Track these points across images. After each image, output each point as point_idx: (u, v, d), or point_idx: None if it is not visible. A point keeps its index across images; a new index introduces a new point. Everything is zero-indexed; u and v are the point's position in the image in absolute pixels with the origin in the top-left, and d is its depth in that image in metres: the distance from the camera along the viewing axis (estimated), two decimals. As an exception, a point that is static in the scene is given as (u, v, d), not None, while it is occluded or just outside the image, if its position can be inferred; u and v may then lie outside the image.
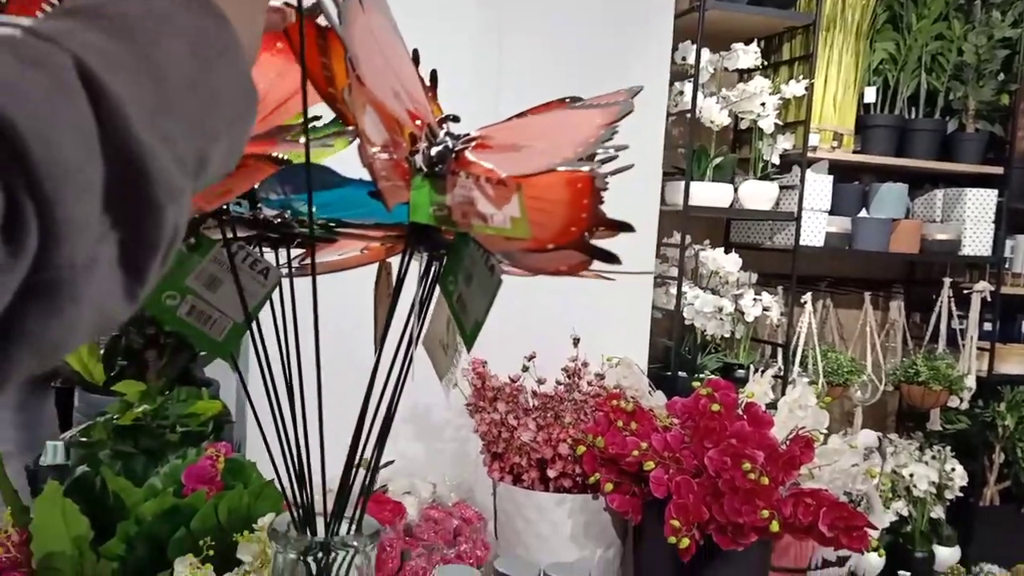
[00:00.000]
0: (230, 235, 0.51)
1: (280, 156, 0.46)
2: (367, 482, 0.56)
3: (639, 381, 1.85)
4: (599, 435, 1.63)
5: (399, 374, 0.54)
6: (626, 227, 0.48)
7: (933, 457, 2.76)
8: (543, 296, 1.90)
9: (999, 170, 2.90)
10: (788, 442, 1.64)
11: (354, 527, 0.54)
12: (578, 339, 1.77)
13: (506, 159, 0.44)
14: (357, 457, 0.55)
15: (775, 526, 1.44)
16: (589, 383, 1.78)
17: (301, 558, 0.53)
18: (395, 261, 0.54)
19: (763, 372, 1.92)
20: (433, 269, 0.52)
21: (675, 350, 2.44)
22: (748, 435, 1.62)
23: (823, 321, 2.86)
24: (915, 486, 2.55)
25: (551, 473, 1.64)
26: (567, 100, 0.52)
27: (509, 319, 1.88)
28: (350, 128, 0.41)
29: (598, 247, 0.47)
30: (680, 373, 2.44)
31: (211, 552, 1.09)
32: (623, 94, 0.49)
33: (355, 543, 0.54)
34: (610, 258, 0.47)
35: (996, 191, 2.86)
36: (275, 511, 1.35)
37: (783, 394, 1.86)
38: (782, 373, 2.60)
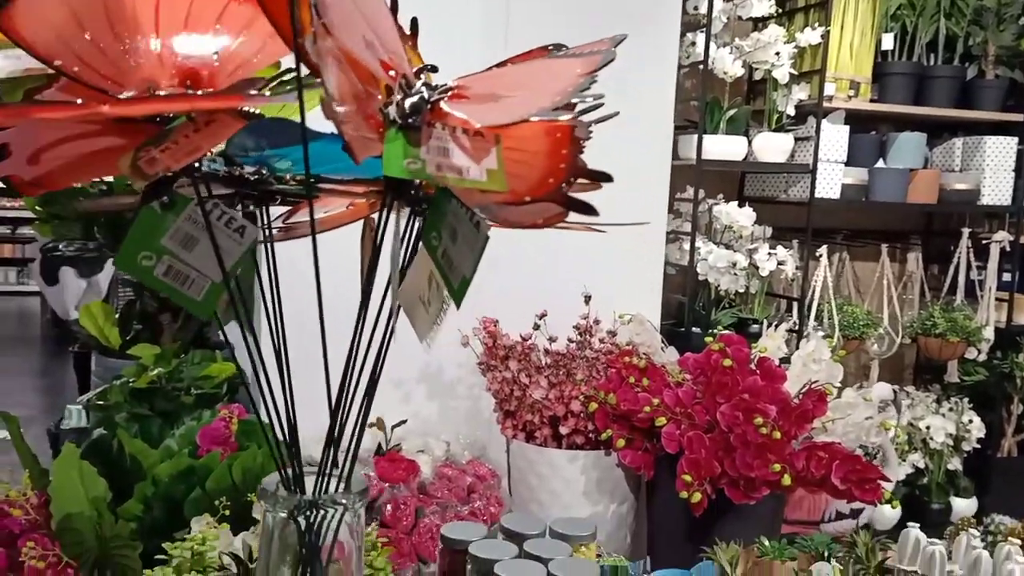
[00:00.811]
0: (204, 193, 0.50)
1: (250, 110, 0.45)
2: (353, 441, 0.56)
3: (651, 337, 1.85)
4: (611, 392, 1.63)
5: (384, 331, 0.54)
6: (605, 177, 0.48)
7: (950, 409, 2.75)
8: (554, 255, 1.89)
9: (1020, 117, 2.83)
10: (801, 396, 1.63)
11: (342, 485, 0.55)
12: (589, 296, 1.76)
13: (482, 109, 0.43)
14: (341, 415, 0.55)
15: (787, 480, 1.44)
16: (601, 340, 1.78)
17: (291, 516, 0.54)
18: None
19: (776, 327, 1.92)
20: (416, 225, 0.51)
21: (689, 306, 2.43)
22: (761, 390, 1.62)
23: (839, 274, 2.83)
24: (931, 438, 2.55)
25: (563, 430, 1.64)
26: (549, 48, 0.51)
27: (520, 278, 1.89)
28: (319, 80, 0.41)
29: (575, 198, 0.46)
30: (694, 329, 2.43)
31: (227, 512, 1.10)
32: (606, 43, 0.47)
33: (344, 501, 0.54)
34: (587, 209, 0.46)
35: (1016, 139, 2.81)
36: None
37: (798, 348, 1.85)
38: (797, 327, 2.58)
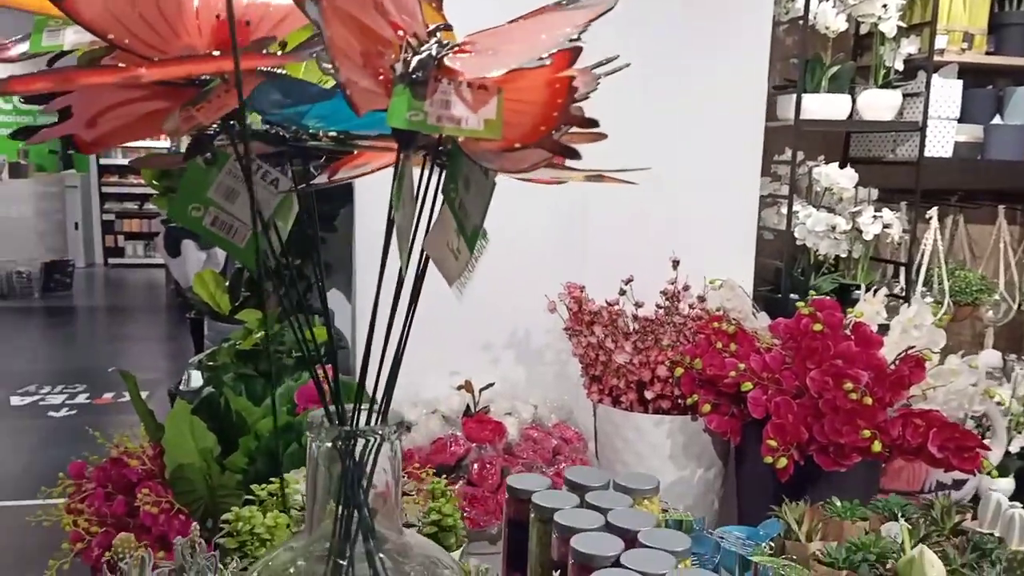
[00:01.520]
0: (241, 149, 0.54)
1: (271, 70, 0.49)
2: (391, 377, 0.59)
3: (742, 303, 1.82)
4: (697, 357, 1.62)
5: (416, 276, 0.57)
6: (594, 123, 0.49)
7: (1073, 379, 2.59)
8: (644, 220, 1.88)
9: None
10: (898, 362, 1.59)
11: (380, 418, 0.59)
12: (677, 261, 1.75)
13: (479, 62, 0.45)
14: (380, 354, 0.58)
15: (877, 446, 1.41)
16: (691, 306, 1.77)
17: (334, 445, 0.58)
18: (416, 171, 0.56)
19: (876, 292, 1.85)
20: (435, 177, 0.54)
21: (786, 271, 2.37)
22: (854, 355, 1.58)
23: (952, 238, 2.69)
24: (1051, 409, 2.41)
25: (649, 395, 1.65)
26: (561, 2, 0.51)
27: (609, 244, 1.89)
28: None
29: (560, 143, 0.48)
30: (792, 295, 2.37)
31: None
32: None
33: (380, 431, 0.58)
34: (571, 153, 0.48)
35: None
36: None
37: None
38: (904, 293, 2.48)
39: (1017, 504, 0.97)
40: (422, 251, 0.57)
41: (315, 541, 0.61)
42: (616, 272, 1.71)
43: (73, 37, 0.51)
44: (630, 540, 0.80)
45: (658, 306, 1.74)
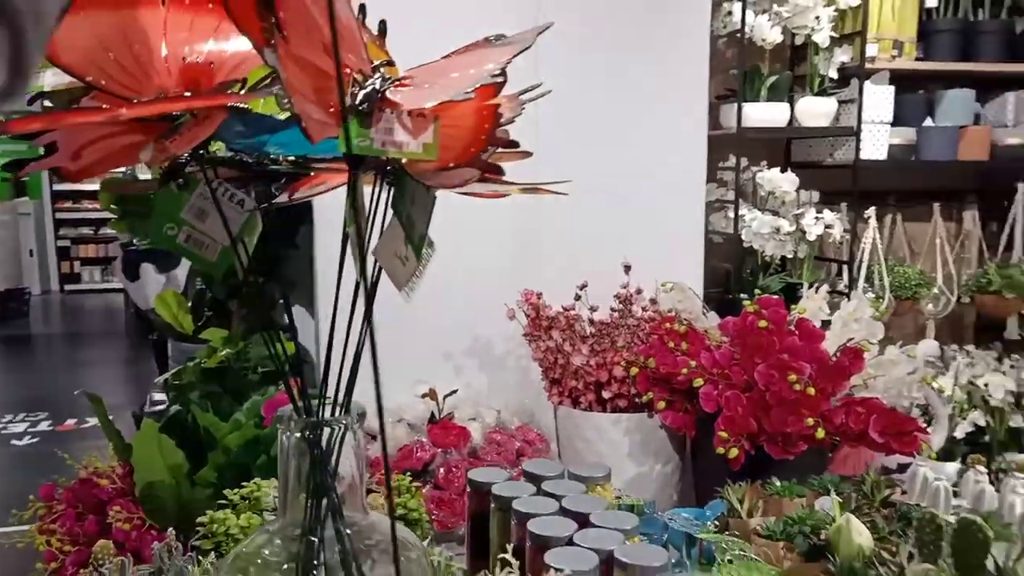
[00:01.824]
0: (212, 175, 0.60)
1: (237, 106, 0.54)
2: (352, 371, 0.65)
3: (692, 304, 1.90)
4: (651, 356, 1.69)
5: (371, 283, 0.63)
6: (515, 144, 0.56)
7: (1012, 366, 2.72)
8: (596, 228, 1.96)
9: (1074, 67, 2.77)
10: (839, 354, 1.67)
11: (343, 410, 0.64)
12: (629, 266, 1.82)
13: (416, 94, 0.51)
14: (343, 346, 0.64)
15: (820, 433, 1.49)
16: (643, 308, 1.84)
17: (302, 436, 0.63)
18: (367, 189, 0.62)
19: (818, 289, 1.94)
20: (383, 194, 0.60)
21: (735, 273, 2.47)
22: (798, 349, 1.66)
23: (891, 236, 2.81)
24: (991, 396, 2.53)
25: (606, 394, 1.72)
26: (490, 39, 0.58)
27: (563, 251, 1.96)
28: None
29: (486, 162, 0.54)
30: (741, 295, 2.46)
31: (289, 473, 1.21)
32: (532, 32, 0.54)
33: (344, 421, 0.64)
34: (497, 171, 0.54)
35: (1072, 90, 2.74)
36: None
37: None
38: (847, 290, 2.59)
39: (942, 477, 1.05)
40: (375, 260, 0.63)
41: (288, 525, 0.66)
42: (572, 279, 1.78)
43: (52, 79, 0.56)
44: (582, 522, 0.87)
45: (612, 309, 1.81)
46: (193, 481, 1.35)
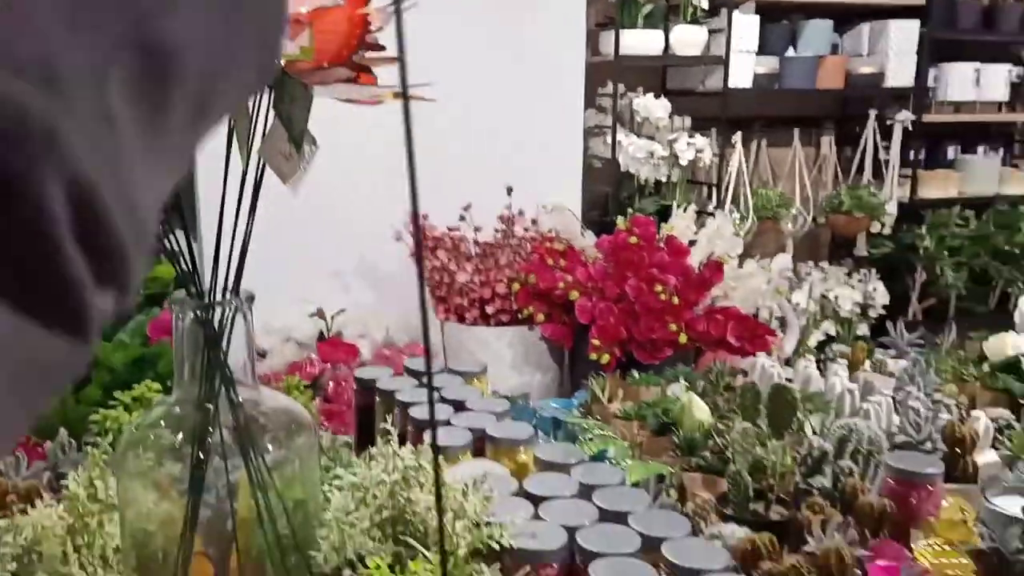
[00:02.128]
0: None
1: None
2: (241, 255, 0.71)
3: (571, 224, 2.00)
4: (531, 273, 1.79)
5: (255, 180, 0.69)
6: (382, 47, 0.62)
7: (860, 280, 2.98)
8: (479, 151, 2.02)
9: (922, 1, 2.97)
10: (702, 267, 1.81)
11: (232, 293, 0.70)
12: (511, 188, 1.90)
13: (294, 1, 0.57)
14: (232, 230, 0.70)
15: (683, 338, 1.63)
16: (526, 229, 1.93)
17: (196, 317, 0.69)
18: None
19: (686, 209, 2.08)
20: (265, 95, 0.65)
21: (612, 196, 2.59)
22: (666, 264, 1.79)
23: (756, 161, 2.99)
24: (840, 307, 2.78)
25: (490, 310, 1.81)
26: None
27: (448, 174, 2.01)
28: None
29: (359, 63, 0.61)
30: (619, 217, 2.58)
31: (181, 387, 1.24)
32: None
33: (234, 302, 0.70)
34: (367, 70, 0.61)
35: (918, 22, 2.95)
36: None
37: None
38: (713, 211, 2.76)
39: (775, 365, 1.20)
40: (259, 158, 0.68)
41: (182, 400, 0.72)
42: (458, 201, 1.84)
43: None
44: (459, 407, 0.96)
45: (496, 230, 1.90)
46: (78, 400, 1.37)
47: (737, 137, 2.69)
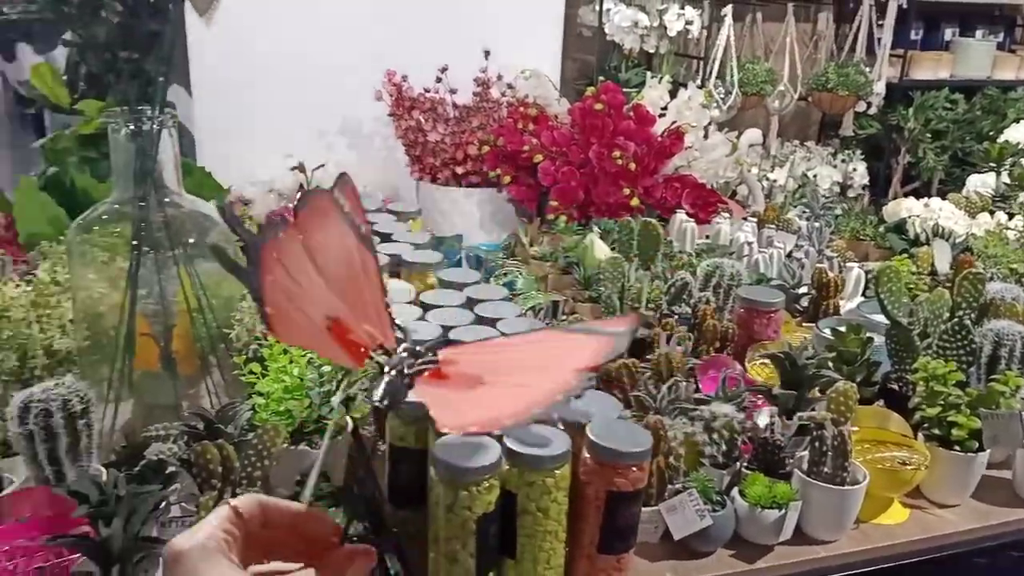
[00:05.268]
0: None
1: None
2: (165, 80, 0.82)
3: (547, 91, 2.07)
4: (500, 136, 1.88)
5: None
6: None
7: (843, 160, 3.02)
8: (457, 16, 2.07)
9: None
10: (665, 135, 1.90)
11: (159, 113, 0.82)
12: (488, 52, 1.97)
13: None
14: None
15: (635, 202, 1.73)
16: (502, 93, 2.00)
17: (126, 128, 0.82)
18: None
19: (660, 80, 2.14)
20: None
21: (596, 66, 2.62)
22: (632, 131, 1.88)
23: (751, 35, 2.99)
24: (819, 186, 2.84)
25: (459, 170, 1.91)
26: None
27: (426, 37, 2.07)
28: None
29: None
30: (589, 87, 2.63)
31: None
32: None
33: (162, 116, 0.83)
34: None
35: None
36: (218, 193, 1.65)
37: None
38: (700, 85, 2.79)
39: (691, 221, 1.31)
40: None
41: (122, 198, 0.87)
42: (436, 63, 1.92)
43: None
44: (385, 238, 1.11)
45: (474, 94, 1.97)
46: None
47: (727, 9, 2.68)
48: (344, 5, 2.00)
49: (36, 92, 2.06)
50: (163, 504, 0.73)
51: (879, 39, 2.95)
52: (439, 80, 1.95)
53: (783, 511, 0.88)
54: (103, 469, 0.81)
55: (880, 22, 2.96)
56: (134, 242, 0.86)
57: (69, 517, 0.71)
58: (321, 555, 0.49)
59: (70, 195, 1.55)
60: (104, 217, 0.91)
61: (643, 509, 0.81)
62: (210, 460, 0.75)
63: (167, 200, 0.89)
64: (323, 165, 1.93)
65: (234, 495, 0.69)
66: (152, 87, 2.25)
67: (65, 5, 1.12)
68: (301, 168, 1.90)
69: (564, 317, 1.02)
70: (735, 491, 0.90)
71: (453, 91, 1.96)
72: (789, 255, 1.30)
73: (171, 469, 0.76)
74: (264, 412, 0.85)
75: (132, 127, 0.84)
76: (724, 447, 0.90)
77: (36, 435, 0.79)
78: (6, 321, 0.87)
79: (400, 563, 0.79)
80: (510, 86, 2.01)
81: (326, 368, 0.86)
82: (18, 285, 0.91)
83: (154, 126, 0.84)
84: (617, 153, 1.76)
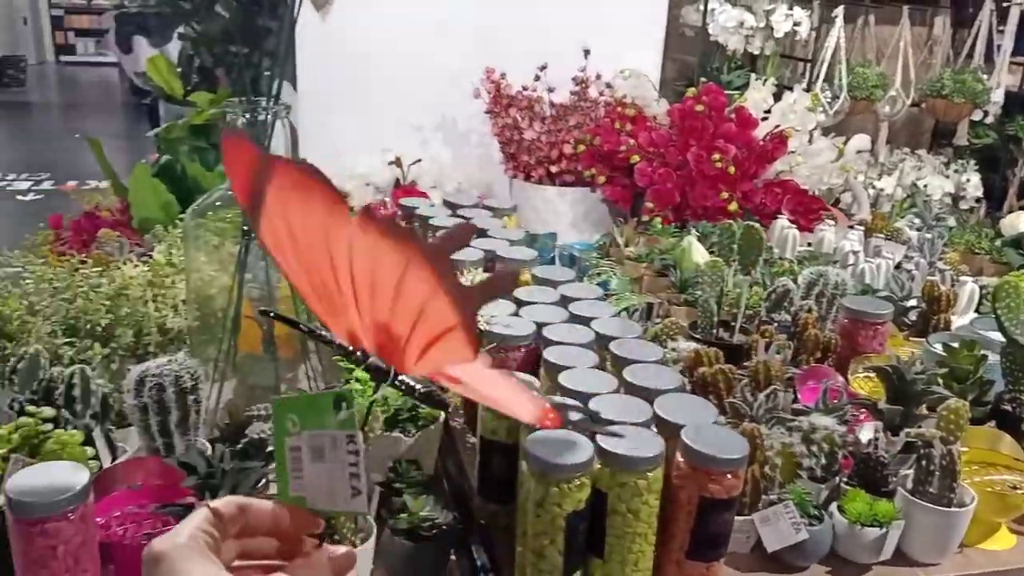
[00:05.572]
0: None
1: None
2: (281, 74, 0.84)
3: (647, 91, 2.04)
4: (597, 135, 1.87)
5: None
6: None
7: (956, 171, 2.88)
8: (558, 15, 2.06)
9: None
10: (767, 139, 1.85)
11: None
12: (588, 51, 1.95)
13: None
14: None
15: (733, 206, 1.69)
16: (600, 93, 1.99)
17: (244, 117, 0.84)
18: None
19: (765, 82, 2.08)
20: None
21: (698, 66, 2.58)
22: (733, 134, 1.84)
23: (862, 38, 2.88)
24: (929, 196, 2.71)
25: (554, 169, 1.91)
26: None
27: (526, 36, 2.07)
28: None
29: None
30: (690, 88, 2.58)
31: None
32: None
33: (277, 108, 0.85)
34: None
35: None
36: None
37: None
38: (807, 88, 2.70)
39: (793, 227, 1.26)
40: None
41: None
42: (536, 61, 1.92)
43: None
44: (482, 233, 1.11)
45: (572, 93, 1.97)
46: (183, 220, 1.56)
47: (839, 11, 2.59)
48: (445, 3, 2.02)
49: (151, 83, 2.15)
50: (263, 481, 0.75)
51: (999, 45, 2.80)
52: (537, 78, 1.95)
53: (884, 530, 0.84)
54: (208, 444, 0.84)
55: (1001, 28, 2.81)
56: (244, 228, 0.88)
57: (177, 487, 0.73)
58: (303, 555, 0.49)
59: (181, 182, 1.61)
60: (217, 203, 0.94)
61: (736, 518, 0.78)
62: (304, 442, 0.76)
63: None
64: (419, 161, 1.96)
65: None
66: (263, 80, 2.34)
67: (183, 0, 1.16)
68: (398, 163, 1.93)
69: (658, 320, 1.00)
70: (833, 506, 0.87)
71: (551, 89, 1.95)
72: (898, 266, 1.24)
73: (271, 448, 0.78)
74: (360, 399, 0.86)
75: (248, 116, 0.86)
76: (823, 460, 0.87)
77: (150, 407, 0.82)
78: (124, 299, 0.91)
79: (487, 555, 0.79)
80: (608, 85, 1.99)
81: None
82: (136, 265, 0.96)
83: (268, 116, 0.86)
84: (716, 156, 1.72)
